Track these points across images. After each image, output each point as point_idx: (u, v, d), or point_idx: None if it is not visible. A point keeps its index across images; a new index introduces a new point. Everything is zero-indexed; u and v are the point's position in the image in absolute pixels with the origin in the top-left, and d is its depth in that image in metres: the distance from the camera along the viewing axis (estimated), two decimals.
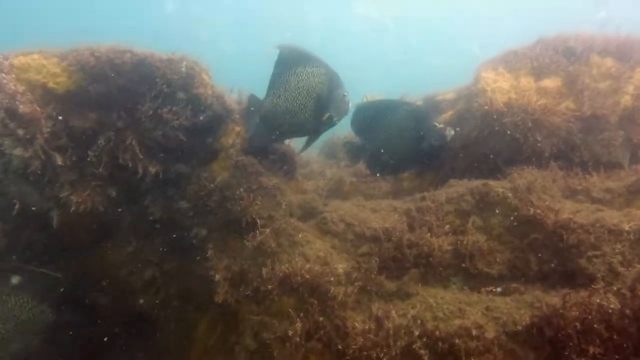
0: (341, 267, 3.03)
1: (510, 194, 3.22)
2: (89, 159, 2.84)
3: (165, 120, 2.86)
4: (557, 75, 3.84)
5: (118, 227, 3.42)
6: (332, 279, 2.93)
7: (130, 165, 2.87)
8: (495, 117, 3.57)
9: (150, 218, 3.34)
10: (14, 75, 2.54)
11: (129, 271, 3.55)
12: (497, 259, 3.13)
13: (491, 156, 3.84)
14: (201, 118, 3.08)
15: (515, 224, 3.17)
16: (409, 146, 3.63)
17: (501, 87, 3.66)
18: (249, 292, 3.10)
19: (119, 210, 3.24)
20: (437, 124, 3.61)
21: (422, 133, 3.58)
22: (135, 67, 2.73)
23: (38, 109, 2.55)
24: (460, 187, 3.40)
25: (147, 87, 2.78)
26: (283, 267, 2.98)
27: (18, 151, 2.62)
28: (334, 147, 5.49)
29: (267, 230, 3.13)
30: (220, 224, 3.37)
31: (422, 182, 4.50)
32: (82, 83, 2.66)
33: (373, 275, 3.03)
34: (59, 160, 2.71)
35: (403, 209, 3.36)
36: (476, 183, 3.37)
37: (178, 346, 3.68)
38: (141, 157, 2.86)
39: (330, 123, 3.14)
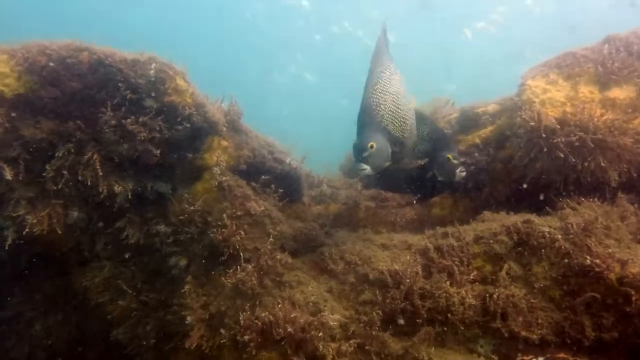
0: (335, 318, 2.44)
1: (559, 236, 2.49)
2: (46, 175, 2.46)
3: (131, 132, 2.43)
4: (630, 83, 3.03)
5: (92, 250, 3.04)
6: (320, 333, 2.35)
7: (89, 184, 2.46)
8: (544, 135, 2.83)
9: (126, 242, 2.94)
10: None
11: (105, 298, 3.16)
12: (540, 320, 2.41)
13: (539, 184, 3.11)
14: (179, 130, 2.62)
15: (565, 275, 2.43)
16: (414, 170, 3.01)
17: (553, 99, 2.92)
18: (225, 340, 2.59)
19: (89, 232, 2.85)
20: (451, 157, 2.98)
21: (432, 161, 3.00)
22: (93, 68, 2.32)
23: None
24: (494, 223, 2.70)
25: (108, 93, 2.37)
26: (264, 314, 2.44)
27: None
28: None
29: (250, 266, 2.61)
30: (203, 254, 2.90)
31: (454, 210, 3.80)
32: (34, 86, 2.29)
33: (374, 332, 2.41)
34: (8, 174, 2.34)
35: (419, 247, 2.71)
36: (515, 219, 2.66)
37: None
38: (101, 174, 2.44)
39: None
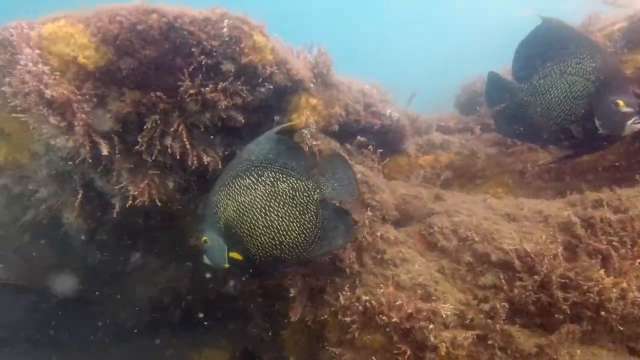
0: (449, 307, 2.07)
1: None
2: (139, 147, 2.39)
3: (211, 100, 2.20)
4: None
5: (195, 212, 3.06)
6: (431, 325, 2.02)
7: (177, 156, 2.34)
8: None
9: None
10: (38, 51, 2.13)
11: None
12: None
13: None
14: (261, 92, 2.32)
15: None
16: (563, 115, 2.31)
17: None
18: (326, 316, 2.42)
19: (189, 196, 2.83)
20: (622, 103, 2.19)
21: (593, 107, 2.24)
22: (164, 33, 2.06)
23: (65, 92, 2.13)
24: None
25: (183, 59, 2.12)
26: (365, 297, 2.17)
27: (60, 140, 2.29)
28: (475, 96, 4.08)
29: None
30: None
31: (612, 152, 2.98)
32: (111, 57, 2.12)
33: (498, 325, 2.00)
34: (104, 150, 2.30)
35: (560, 221, 2.12)
36: None
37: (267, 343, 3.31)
38: (188, 146, 2.29)
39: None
